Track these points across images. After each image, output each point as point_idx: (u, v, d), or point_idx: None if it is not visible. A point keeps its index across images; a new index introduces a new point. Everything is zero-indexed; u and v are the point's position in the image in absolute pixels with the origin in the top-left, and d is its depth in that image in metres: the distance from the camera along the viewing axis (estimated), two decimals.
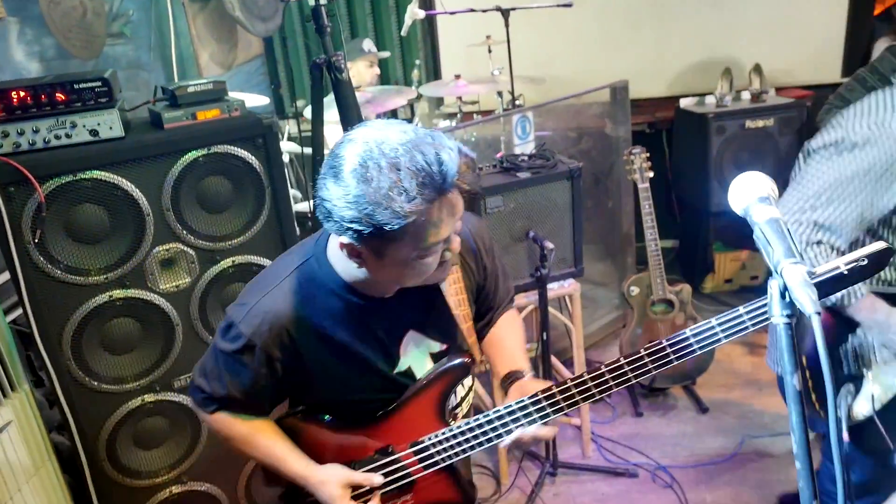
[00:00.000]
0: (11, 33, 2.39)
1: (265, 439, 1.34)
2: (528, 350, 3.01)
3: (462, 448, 1.28)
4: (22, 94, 1.68)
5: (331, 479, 1.29)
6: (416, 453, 1.31)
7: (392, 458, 1.32)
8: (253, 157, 1.93)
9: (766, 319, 1.02)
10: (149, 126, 1.95)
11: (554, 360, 3.05)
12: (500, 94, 3.51)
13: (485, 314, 1.47)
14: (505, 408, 1.23)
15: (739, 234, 4.02)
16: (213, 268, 1.96)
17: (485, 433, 1.25)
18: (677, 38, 4.14)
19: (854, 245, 1.67)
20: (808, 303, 0.69)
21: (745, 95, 3.78)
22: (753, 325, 1.03)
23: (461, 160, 1.05)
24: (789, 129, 3.68)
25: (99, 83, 1.73)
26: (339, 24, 2.04)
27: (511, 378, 1.36)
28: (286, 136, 3.90)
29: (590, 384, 1.16)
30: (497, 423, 1.24)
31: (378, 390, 1.30)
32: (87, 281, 1.80)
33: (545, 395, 1.20)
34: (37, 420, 1.87)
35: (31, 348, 1.94)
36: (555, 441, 2.80)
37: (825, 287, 0.82)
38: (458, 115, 3.61)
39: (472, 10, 3.11)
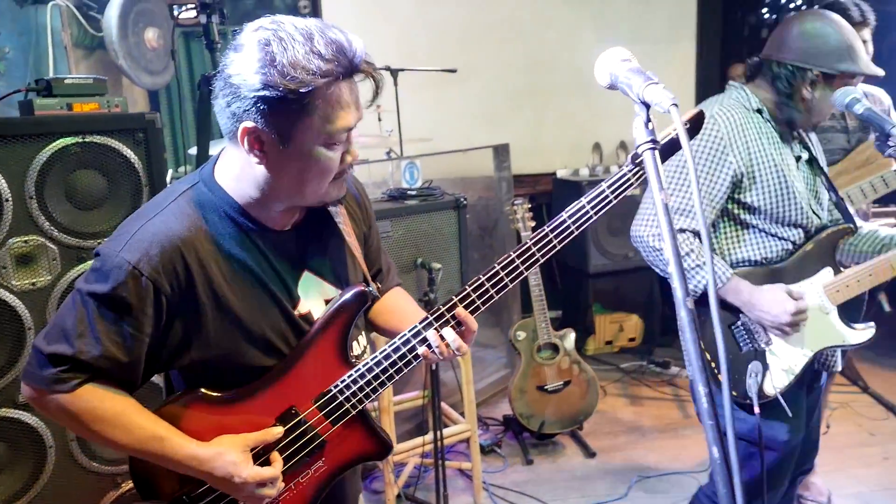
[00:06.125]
0: None
1: (142, 418, 1.10)
2: (418, 396, 2.97)
3: (372, 387, 1.18)
4: None
5: (224, 448, 1.12)
6: (321, 408, 1.19)
7: (297, 419, 1.18)
8: (131, 153, 1.86)
9: (627, 186, 1.10)
10: (17, 117, 1.84)
11: (444, 405, 2.99)
12: (388, 153, 3.63)
13: (374, 276, 1.43)
14: (409, 330, 1.18)
15: (616, 296, 4.25)
16: (79, 267, 1.82)
17: (393, 363, 1.17)
18: (552, 120, 4.52)
19: (716, 229, 1.83)
20: (664, 98, 0.76)
21: (614, 169, 4.13)
22: (615, 196, 1.11)
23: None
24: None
25: None
26: (229, 41, 2.06)
27: None
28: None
29: (487, 285, 1.17)
30: (404, 349, 1.17)
31: (279, 334, 1.16)
32: None
33: (455, 300, 1.18)
34: None
35: None
36: (445, 489, 2.69)
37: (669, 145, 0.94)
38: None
39: None
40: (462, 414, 2.89)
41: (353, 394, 1.19)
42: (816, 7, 1.96)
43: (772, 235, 1.80)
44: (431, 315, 1.18)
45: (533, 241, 1.15)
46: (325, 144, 1.05)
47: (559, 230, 1.15)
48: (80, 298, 1.07)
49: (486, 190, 4.01)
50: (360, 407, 1.20)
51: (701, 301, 1.76)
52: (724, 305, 1.77)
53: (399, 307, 1.42)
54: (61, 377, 1.06)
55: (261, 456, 1.17)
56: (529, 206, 3.20)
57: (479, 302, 1.18)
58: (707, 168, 1.72)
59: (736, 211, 1.79)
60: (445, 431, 2.67)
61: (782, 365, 1.78)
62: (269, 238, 1.15)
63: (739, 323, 1.79)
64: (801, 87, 1.71)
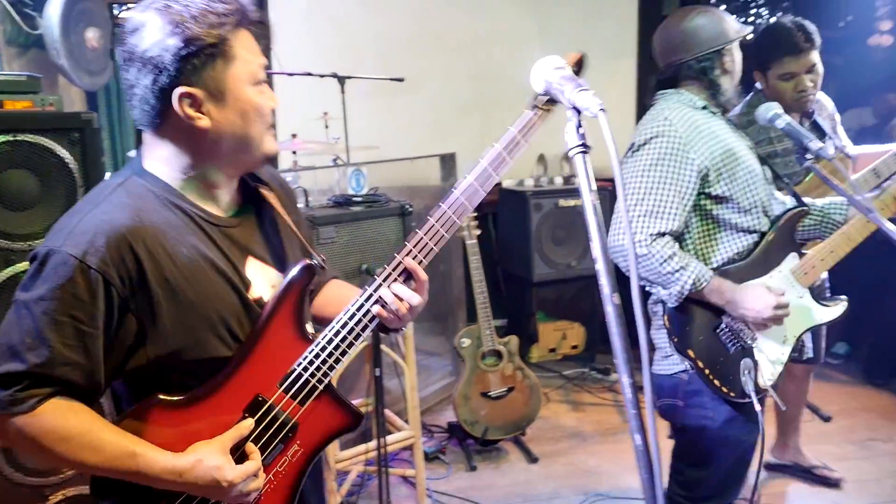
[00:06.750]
0: None
1: (112, 434, 1.04)
2: (362, 403, 2.96)
3: (335, 357, 1.17)
4: None
5: (203, 454, 1.07)
6: (287, 390, 1.16)
7: (265, 407, 1.14)
8: (66, 153, 1.82)
9: (533, 127, 1.24)
10: None
11: (388, 412, 2.98)
12: (335, 160, 3.62)
13: None
14: (361, 295, 1.18)
15: (559, 304, 4.33)
16: (7, 269, 1.76)
17: (351, 330, 1.17)
18: (498, 131, 4.54)
19: (688, 230, 1.87)
20: (592, 102, 0.79)
21: (558, 180, 4.24)
22: (524, 137, 1.26)
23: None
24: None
25: None
26: None
27: None
28: None
29: (426, 239, 1.19)
30: (359, 315, 1.17)
31: (237, 320, 1.13)
32: None
33: (397, 260, 1.19)
34: None
35: None
36: (389, 497, 2.68)
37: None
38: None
39: (310, 74, 3.25)
40: (406, 421, 2.89)
41: (318, 368, 1.17)
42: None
43: (741, 231, 1.86)
44: (380, 276, 1.19)
45: (461, 190, 1.19)
46: (253, 85, 1.09)
47: (482, 175, 1.23)
48: (23, 309, 1.01)
49: (432, 198, 4.05)
50: (326, 381, 1.18)
51: (683, 306, 1.78)
52: (706, 308, 1.80)
53: (343, 295, 1.39)
54: (18, 398, 1.00)
55: (235, 452, 1.12)
56: (475, 215, 3.24)
57: (420, 256, 1.19)
58: (672, 169, 1.77)
59: (708, 207, 1.83)
60: (389, 438, 2.67)
61: (770, 357, 1.84)
62: (213, 224, 1.15)
63: (723, 325, 1.81)
64: (723, 64, 1.89)
